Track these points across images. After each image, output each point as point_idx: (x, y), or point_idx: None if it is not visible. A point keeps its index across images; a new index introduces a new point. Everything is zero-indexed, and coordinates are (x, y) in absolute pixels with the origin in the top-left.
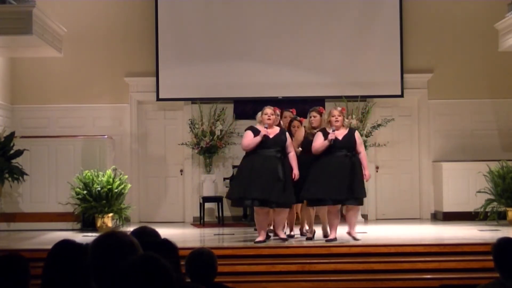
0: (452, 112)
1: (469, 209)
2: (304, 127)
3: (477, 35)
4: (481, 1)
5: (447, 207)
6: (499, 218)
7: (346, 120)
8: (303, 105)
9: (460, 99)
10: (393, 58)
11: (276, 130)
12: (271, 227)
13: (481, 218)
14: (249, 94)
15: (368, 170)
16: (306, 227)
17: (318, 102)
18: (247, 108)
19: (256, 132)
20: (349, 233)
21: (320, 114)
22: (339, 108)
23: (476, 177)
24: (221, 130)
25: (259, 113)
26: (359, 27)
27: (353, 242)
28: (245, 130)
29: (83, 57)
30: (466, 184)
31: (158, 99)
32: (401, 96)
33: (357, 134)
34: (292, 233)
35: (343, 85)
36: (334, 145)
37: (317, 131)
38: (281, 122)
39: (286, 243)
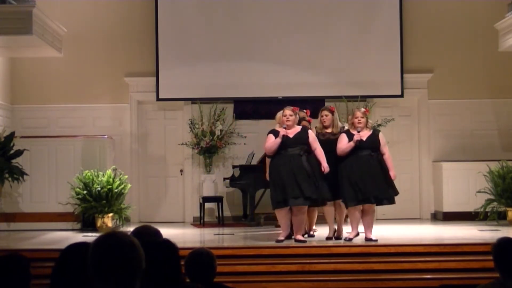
0: (452, 112)
1: (469, 209)
2: (316, 127)
3: (477, 35)
4: (481, 1)
5: (447, 207)
6: (499, 218)
7: (370, 121)
8: (303, 105)
9: (460, 99)
10: (393, 58)
11: (297, 129)
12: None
13: (481, 218)
14: (249, 94)
15: (393, 171)
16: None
17: (318, 102)
18: (247, 108)
19: (277, 135)
20: (367, 238)
21: (332, 113)
22: (362, 109)
23: (476, 177)
24: (221, 130)
25: (279, 113)
26: (359, 27)
27: (354, 242)
28: (267, 134)
29: (83, 57)
30: (466, 184)
31: (158, 99)
32: (401, 96)
33: (381, 135)
34: (312, 232)
35: (343, 85)
36: (359, 146)
37: (341, 133)
38: None
39: (286, 243)
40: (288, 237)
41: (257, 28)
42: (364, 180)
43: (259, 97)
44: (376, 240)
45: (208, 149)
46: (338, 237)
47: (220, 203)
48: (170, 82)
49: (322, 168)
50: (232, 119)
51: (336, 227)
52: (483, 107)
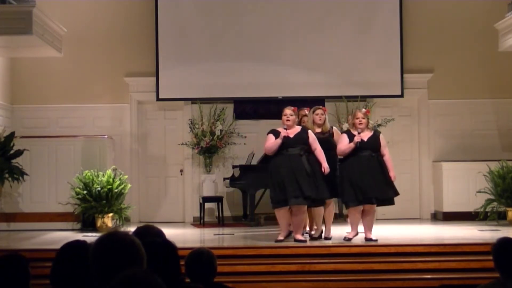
0: (452, 112)
1: (469, 209)
2: (303, 125)
3: (477, 35)
4: (481, 1)
5: (447, 207)
6: (499, 218)
7: (371, 122)
8: (303, 105)
9: (460, 99)
10: (393, 58)
11: (297, 129)
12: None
13: (481, 218)
14: (249, 94)
15: (393, 172)
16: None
17: (318, 102)
18: (247, 108)
19: (277, 135)
20: (367, 238)
21: (324, 112)
22: (363, 110)
23: (476, 177)
24: (221, 130)
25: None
26: (359, 27)
27: (353, 242)
28: (267, 134)
29: (83, 57)
30: (466, 184)
31: (158, 99)
32: (401, 96)
33: (381, 136)
34: (312, 232)
35: (343, 85)
36: (360, 146)
37: (342, 133)
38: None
39: (286, 243)
40: (288, 236)
41: (257, 28)
42: (365, 181)
43: (259, 97)
44: (376, 240)
45: (208, 149)
46: (327, 237)
47: (220, 203)
48: (170, 82)
49: (323, 169)
50: (232, 119)
51: (324, 228)
52: (483, 107)
